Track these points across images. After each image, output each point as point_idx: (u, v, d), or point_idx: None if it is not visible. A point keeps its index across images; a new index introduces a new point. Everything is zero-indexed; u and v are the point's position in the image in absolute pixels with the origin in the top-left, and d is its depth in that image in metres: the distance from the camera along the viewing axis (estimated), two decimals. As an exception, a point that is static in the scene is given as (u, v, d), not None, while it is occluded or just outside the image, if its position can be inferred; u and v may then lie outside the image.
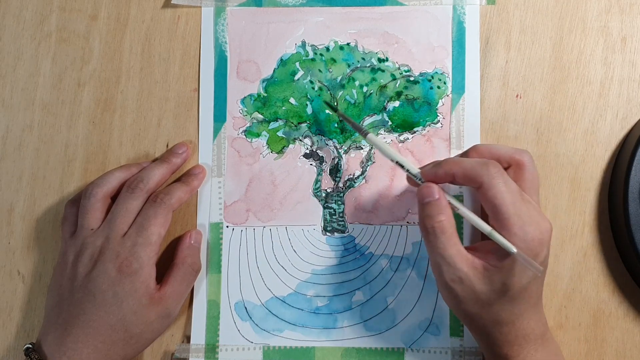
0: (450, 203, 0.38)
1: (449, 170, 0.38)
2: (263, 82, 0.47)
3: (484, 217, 0.38)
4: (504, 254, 0.36)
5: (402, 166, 0.40)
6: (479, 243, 0.39)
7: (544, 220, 0.37)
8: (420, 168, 0.40)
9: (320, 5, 0.47)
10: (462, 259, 0.37)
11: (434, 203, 0.38)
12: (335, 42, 0.47)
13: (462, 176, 0.37)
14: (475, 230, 0.45)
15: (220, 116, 0.46)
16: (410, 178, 0.40)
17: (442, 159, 0.39)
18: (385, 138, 0.46)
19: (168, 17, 0.47)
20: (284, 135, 0.46)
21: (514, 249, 0.35)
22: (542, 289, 0.39)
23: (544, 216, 0.37)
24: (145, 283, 0.41)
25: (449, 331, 0.45)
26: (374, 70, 0.46)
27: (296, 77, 0.46)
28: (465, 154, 0.41)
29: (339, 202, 0.46)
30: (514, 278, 0.36)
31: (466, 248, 0.38)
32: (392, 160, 0.40)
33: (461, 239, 0.41)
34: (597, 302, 0.45)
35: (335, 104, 0.46)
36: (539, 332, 0.38)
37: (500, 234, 0.36)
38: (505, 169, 0.39)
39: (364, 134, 0.41)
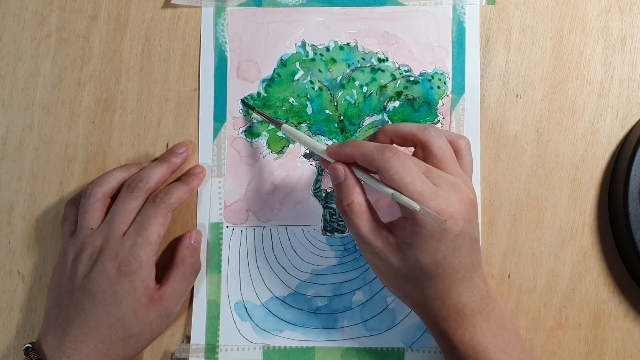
0: (357, 176, 0.38)
1: (349, 153, 0.38)
2: (263, 82, 0.47)
3: None
4: (413, 230, 0.36)
5: (313, 151, 0.41)
6: (396, 219, 0.39)
7: (457, 192, 0.36)
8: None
9: (320, 5, 0.47)
10: (376, 236, 0.37)
11: (342, 185, 0.38)
12: (335, 42, 0.47)
13: (361, 160, 0.37)
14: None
15: (220, 116, 0.46)
16: (324, 160, 0.40)
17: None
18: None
19: (168, 17, 0.47)
20: (284, 135, 0.46)
21: (417, 206, 0.34)
22: (475, 262, 0.38)
23: (459, 188, 0.36)
24: (144, 283, 0.41)
25: (449, 331, 0.45)
26: (374, 70, 0.46)
27: (296, 77, 0.46)
28: (374, 136, 0.41)
29: (339, 202, 0.46)
30: (426, 254, 0.36)
31: (386, 224, 0.38)
32: (306, 147, 0.42)
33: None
34: (597, 302, 0.45)
35: (335, 103, 0.46)
36: (474, 306, 0.38)
37: (409, 212, 0.36)
38: (415, 148, 0.39)
39: (278, 125, 0.43)
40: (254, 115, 0.46)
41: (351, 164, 0.39)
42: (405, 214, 0.37)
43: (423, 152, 0.39)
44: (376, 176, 0.38)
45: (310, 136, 0.46)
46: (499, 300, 0.40)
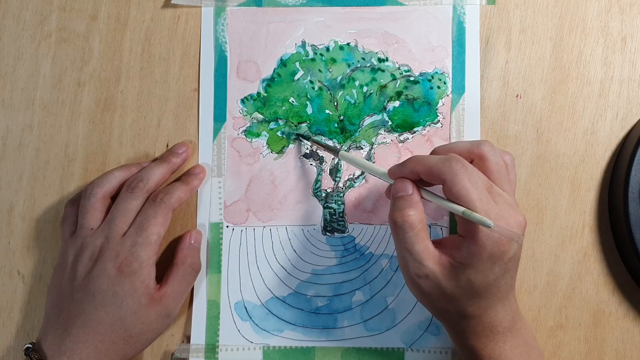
0: (422, 197, 0.38)
1: (413, 169, 0.37)
2: (263, 82, 0.47)
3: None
4: (472, 251, 0.35)
5: (373, 173, 0.41)
6: (446, 237, 0.38)
7: (514, 214, 0.36)
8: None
9: (320, 5, 0.47)
10: (429, 255, 0.37)
11: (405, 197, 0.37)
12: (335, 42, 0.47)
13: (426, 174, 0.37)
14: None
15: (220, 116, 0.46)
16: (388, 190, 0.40)
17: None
18: (385, 138, 0.46)
19: (168, 17, 0.47)
20: (284, 136, 0.46)
21: (491, 223, 0.34)
22: (513, 283, 0.38)
23: (515, 210, 0.36)
24: (145, 283, 0.41)
25: (449, 331, 0.45)
26: (374, 70, 0.46)
27: (296, 77, 0.46)
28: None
29: (339, 202, 0.46)
30: (480, 275, 0.36)
31: (433, 242, 0.38)
32: (364, 171, 0.42)
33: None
34: (597, 302, 0.45)
35: (335, 103, 0.46)
36: (507, 324, 0.38)
37: (469, 232, 0.35)
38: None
39: (336, 153, 0.43)
40: (309, 143, 0.46)
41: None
42: (463, 233, 0.36)
43: (478, 167, 0.38)
44: (435, 194, 0.37)
45: (310, 135, 0.46)
46: (524, 318, 0.40)
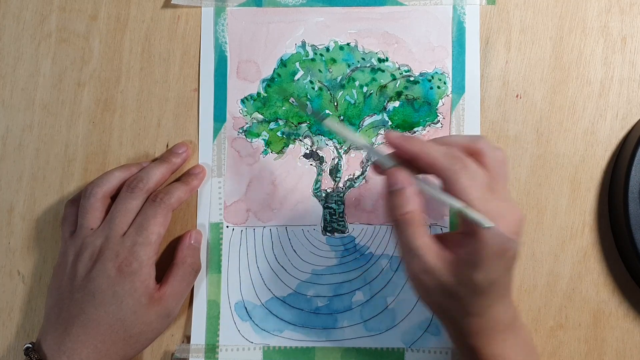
0: (419, 187, 0.36)
1: (414, 150, 0.36)
2: (263, 82, 0.47)
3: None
4: (475, 248, 0.35)
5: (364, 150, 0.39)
6: (448, 232, 0.38)
7: (513, 211, 0.36)
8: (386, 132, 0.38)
9: (320, 5, 0.47)
10: (430, 251, 0.36)
11: (401, 193, 0.36)
12: (335, 42, 0.47)
13: (426, 163, 0.36)
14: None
15: (220, 116, 0.46)
16: (376, 166, 0.38)
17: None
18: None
19: (168, 17, 0.47)
20: (284, 136, 0.46)
21: (491, 224, 0.33)
22: (512, 280, 0.38)
23: (513, 206, 0.36)
24: (144, 283, 0.41)
25: (449, 331, 0.45)
26: (374, 70, 0.46)
27: (296, 77, 0.46)
28: None
29: (339, 202, 0.46)
30: (482, 273, 0.35)
31: (436, 236, 0.37)
32: (353, 145, 0.40)
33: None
34: (597, 302, 0.45)
35: (335, 104, 0.46)
36: (507, 322, 0.38)
37: (471, 230, 0.35)
38: None
39: (322, 118, 0.39)
40: (309, 143, 0.45)
41: (407, 168, 0.37)
42: (466, 230, 0.36)
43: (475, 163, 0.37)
44: (433, 188, 0.36)
45: (310, 136, 0.46)
46: (521, 318, 0.40)
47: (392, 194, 0.36)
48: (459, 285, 0.36)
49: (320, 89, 0.46)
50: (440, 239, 0.37)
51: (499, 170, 0.37)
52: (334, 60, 0.46)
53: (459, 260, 0.36)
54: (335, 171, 0.46)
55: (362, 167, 0.46)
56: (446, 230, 0.45)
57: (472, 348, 0.38)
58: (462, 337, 0.39)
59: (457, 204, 0.35)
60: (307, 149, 0.46)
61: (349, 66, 0.46)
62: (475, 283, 0.36)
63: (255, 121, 0.47)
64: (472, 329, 0.38)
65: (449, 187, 0.35)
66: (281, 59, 0.47)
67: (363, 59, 0.46)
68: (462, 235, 0.36)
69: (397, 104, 0.46)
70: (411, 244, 0.36)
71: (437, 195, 0.36)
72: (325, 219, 0.46)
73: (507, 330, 0.38)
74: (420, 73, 0.46)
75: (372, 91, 0.46)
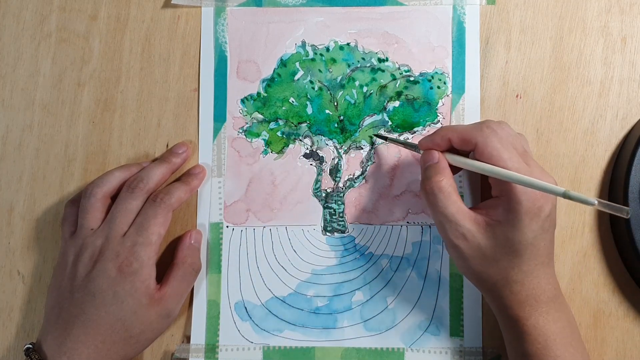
0: (461, 162, 0.39)
1: (444, 136, 0.39)
2: (263, 82, 0.47)
3: (485, 187, 0.39)
4: (507, 207, 0.36)
5: (405, 144, 0.43)
6: (481, 203, 0.39)
7: (546, 174, 0.37)
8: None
9: (320, 5, 0.47)
10: (463, 216, 0.38)
11: (433, 165, 0.39)
12: (335, 42, 0.47)
13: (458, 140, 0.38)
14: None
15: (220, 116, 0.46)
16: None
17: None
18: (385, 138, 0.46)
19: (168, 17, 0.47)
20: (284, 136, 0.46)
21: (594, 201, 0.32)
22: (553, 249, 0.39)
23: (545, 171, 0.37)
24: (145, 283, 0.41)
25: (449, 331, 0.45)
26: (374, 70, 0.46)
27: (296, 77, 0.46)
28: (432, 137, 0.41)
29: (339, 202, 0.46)
30: (518, 232, 0.36)
31: (470, 208, 0.39)
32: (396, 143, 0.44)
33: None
34: (597, 302, 0.45)
35: (335, 104, 0.46)
36: (550, 294, 0.38)
37: (503, 190, 0.37)
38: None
39: (414, 148, 0.43)
40: (309, 143, 0.46)
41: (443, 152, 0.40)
42: (498, 193, 0.38)
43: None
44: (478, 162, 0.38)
45: (310, 136, 0.46)
46: (564, 297, 0.40)
47: (426, 169, 0.39)
48: (497, 247, 0.37)
49: (320, 88, 0.46)
50: (474, 208, 0.39)
51: (515, 144, 0.39)
52: (334, 60, 0.46)
53: (494, 222, 0.37)
54: (335, 171, 0.46)
55: (362, 167, 0.46)
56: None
57: (514, 319, 0.38)
58: (504, 308, 0.39)
59: (513, 175, 0.36)
60: (307, 148, 0.46)
61: (349, 66, 0.46)
62: (512, 243, 0.36)
63: (255, 121, 0.47)
64: (514, 298, 0.38)
65: (481, 152, 0.37)
66: (281, 59, 0.47)
67: (363, 58, 0.46)
68: (495, 199, 0.38)
69: (397, 103, 0.46)
70: (446, 210, 0.38)
71: (471, 164, 0.38)
72: (325, 219, 0.46)
73: (550, 302, 0.38)
74: (420, 73, 0.46)
75: (372, 91, 0.46)
